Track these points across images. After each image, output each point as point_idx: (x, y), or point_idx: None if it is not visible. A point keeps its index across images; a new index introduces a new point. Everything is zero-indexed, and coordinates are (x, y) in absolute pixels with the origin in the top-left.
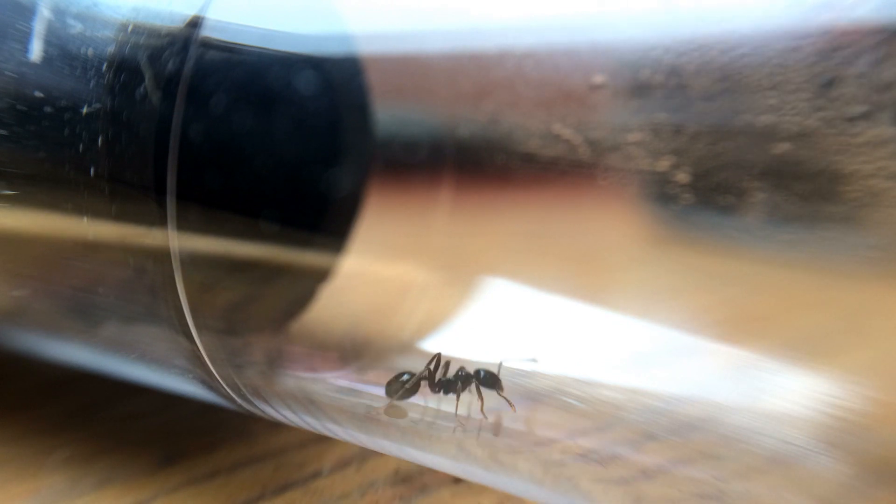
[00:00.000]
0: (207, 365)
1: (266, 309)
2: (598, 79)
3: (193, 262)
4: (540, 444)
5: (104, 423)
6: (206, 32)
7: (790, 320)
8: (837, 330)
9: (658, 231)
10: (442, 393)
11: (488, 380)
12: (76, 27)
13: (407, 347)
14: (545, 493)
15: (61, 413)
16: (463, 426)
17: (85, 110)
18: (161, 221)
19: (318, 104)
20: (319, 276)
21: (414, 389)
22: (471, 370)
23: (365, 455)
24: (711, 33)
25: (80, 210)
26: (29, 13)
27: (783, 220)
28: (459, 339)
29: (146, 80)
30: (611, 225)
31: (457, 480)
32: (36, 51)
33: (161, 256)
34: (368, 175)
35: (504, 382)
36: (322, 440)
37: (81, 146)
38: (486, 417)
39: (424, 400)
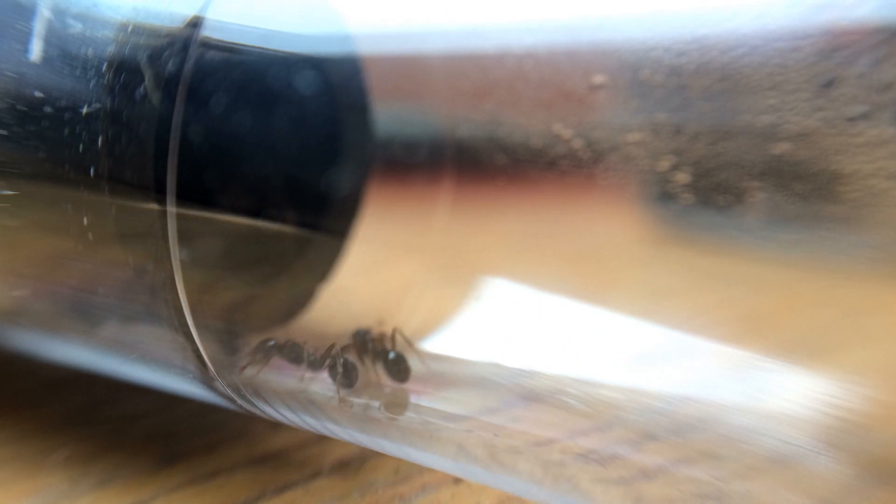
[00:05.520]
0: (207, 365)
1: (266, 309)
2: (598, 79)
3: (193, 262)
4: (540, 444)
5: (104, 423)
6: (206, 33)
7: (790, 320)
8: (837, 330)
9: (658, 231)
10: None
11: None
12: (76, 27)
13: (407, 347)
14: (545, 493)
15: (61, 413)
16: None
17: (85, 110)
18: (161, 221)
19: (318, 104)
20: (319, 276)
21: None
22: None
23: (365, 455)
24: (711, 33)
25: (80, 210)
26: (29, 13)
27: (783, 220)
28: (459, 339)
29: (146, 81)
30: (611, 225)
31: (457, 480)
32: (36, 51)
33: (161, 256)
34: (368, 175)
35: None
36: (322, 440)
37: (81, 146)
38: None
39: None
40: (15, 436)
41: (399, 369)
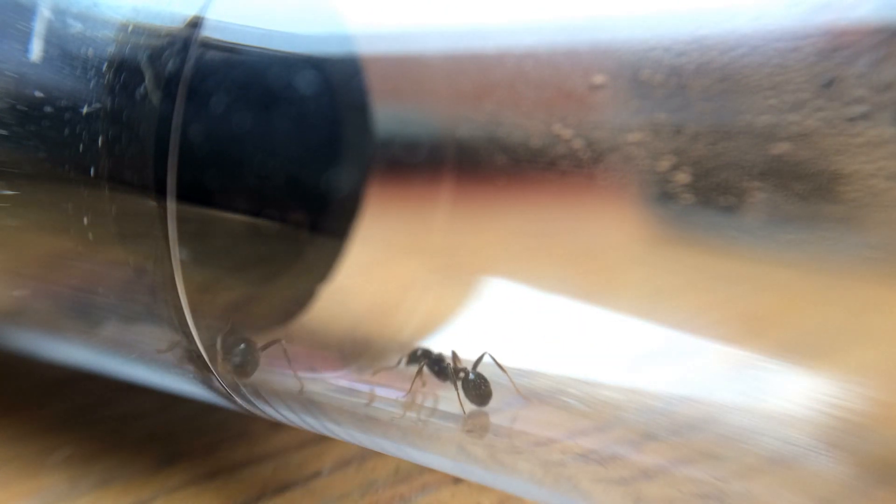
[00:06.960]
0: (207, 365)
1: (266, 309)
2: (598, 79)
3: (193, 262)
4: (540, 444)
5: (104, 423)
6: (206, 32)
7: (790, 320)
8: (837, 330)
9: (658, 231)
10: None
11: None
12: (76, 27)
13: (407, 347)
14: (545, 493)
15: (61, 413)
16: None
17: (85, 110)
18: (161, 221)
19: (318, 104)
20: (319, 276)
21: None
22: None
23: (365, 455)
24: (711, 33)
25: (80, 210)
26: (29, 13)
27: (783, 220)
28: (459, 339)
29: (146, 80)
30: (611, 225)
31: (457, 480)
32: (36, 51)
33: (161, 256)
34: (368, 175)
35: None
36: (322, 440)
37: (81, 146)
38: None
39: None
40: (15, 436)
41: (479, 392)
